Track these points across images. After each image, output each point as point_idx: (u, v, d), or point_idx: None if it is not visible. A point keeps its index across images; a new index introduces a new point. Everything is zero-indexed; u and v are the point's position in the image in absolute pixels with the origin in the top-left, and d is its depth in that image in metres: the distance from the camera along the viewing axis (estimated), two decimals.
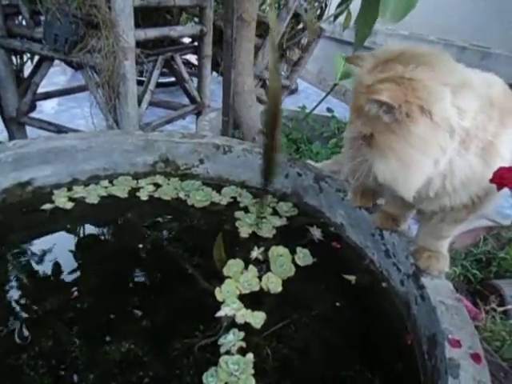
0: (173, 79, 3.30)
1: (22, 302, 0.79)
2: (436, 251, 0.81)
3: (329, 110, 2.38)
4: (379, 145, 0.60)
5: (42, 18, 2.00)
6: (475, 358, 0.63)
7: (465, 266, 1.26)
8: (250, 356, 0.70)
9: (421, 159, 0.58)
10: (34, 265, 0.89)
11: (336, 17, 2.69)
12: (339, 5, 2.54)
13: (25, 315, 0.76)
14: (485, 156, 0.61)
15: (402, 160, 0.59)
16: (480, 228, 1.34)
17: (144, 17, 2.00)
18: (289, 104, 3.14)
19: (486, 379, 0.60)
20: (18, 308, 0.78)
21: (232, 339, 0.72)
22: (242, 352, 0.71)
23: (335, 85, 2.13)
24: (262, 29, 2.46)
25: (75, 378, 0.65)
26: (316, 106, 2.26)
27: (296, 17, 2.64)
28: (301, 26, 2.76)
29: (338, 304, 0.86)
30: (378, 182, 0.66)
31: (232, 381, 0.66)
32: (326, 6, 2.82)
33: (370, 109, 0.58)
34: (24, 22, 2.05)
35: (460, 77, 0.60)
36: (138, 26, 1.77)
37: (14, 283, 0.84)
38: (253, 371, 0.67)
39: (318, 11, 2.81)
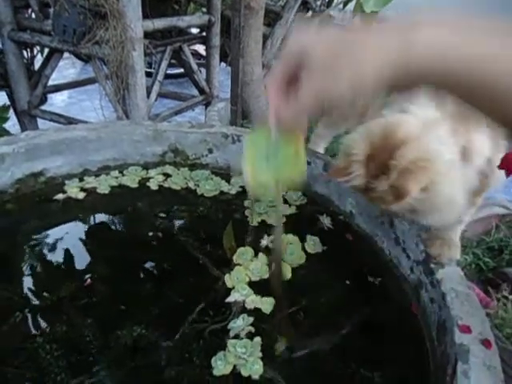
0: (181, 70, 3.31)
1: (37, 289, 0.81)
2: (449, 239, 0.80)
3: None
4: (424, 210, 0.66)
5: (51, 10, 2.02)
6: (485, 343, 0.63)
7: (476, 254, 1.24)
8: (258, 339, 0.71)
9: (455, 195, 0.64)
10: (47, 253, 0.91)
11: (345, 4, 2.66)
12: None
13: (40, 302, 0.78)
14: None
15: (447, 204, 0.65)
16: (492, 216, 1.32)
17: (152, 7, 1.99)
18: None
19: (496, 364, 0.60)
20: (33, 295, 0.80)
21: (241, 324, 0.73)
22: (251, 336, 0.72)
23: None
24: (270, 17, 2.44)
25: (89, 361, 0.67)
26: None
27: (305, 4, 2.61)
28: (309, 13, 2.73)
29: (346, 291, 0.86)
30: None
31: (240, 363, 0.67)
32: None
33: (406, 206, 0.63)
34: (33, 15, 2.07)
35: (425, 122, 0.63)
36: (146, 16, 1.77)
37: (28, 271, 0.86)
38: (261, 354, 0.68)
39: None
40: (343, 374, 0.70)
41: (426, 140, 0.61)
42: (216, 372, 0.66)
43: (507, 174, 0.57)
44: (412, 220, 0.72)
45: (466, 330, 0.65)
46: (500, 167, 0.57)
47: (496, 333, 0.90)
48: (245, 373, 0.66)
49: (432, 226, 0.72)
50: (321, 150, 1.35)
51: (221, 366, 0.67)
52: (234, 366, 0.67)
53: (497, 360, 0.61)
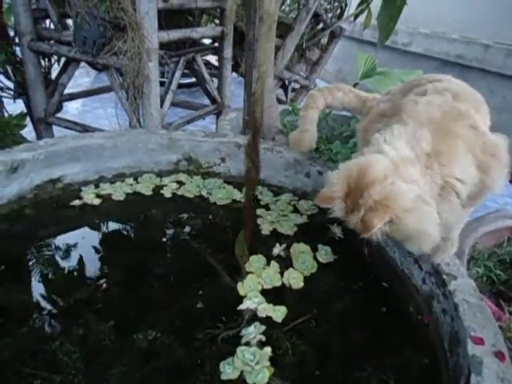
0: (193, 80, 3.36)
1: (54, 292, 0.83)
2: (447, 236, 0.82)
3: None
4: (397, 237, 0.73)
5: (69, 21, 2.07)
6: (499, 355, 0.63)
7: (488, 267, 1.24)
8: (268, 349, 0.71)
9: (425, 228, 0.70)
10: (64, 258, 0.93)
11: (356, 16, 2.69)
12: (360, 4, 2.54)
13: (57, 305, 0.80)
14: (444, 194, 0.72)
15: (418, 235, 0.71)
16: (504, 228, 1.31)
17: (167, 19, 2.04)
18: None
19: (510, 377, 0.60)
20: (50, 298, 0.82)
21: (253, 331, 0.74)
22: (262, 345, 0.73)
23: (355, 84, 2.12)
24: (282, 29, 2.47)
25: (105, 364, 0.68)
26: None
27: (316, 17, 2.64)
28: (320, 26, 2.77)
29: (358, 301, 0.86)
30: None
31: (247, 370, 0.68)
32: (346, 5, 2.81)
33: (375, 235, 0.69)
34: (52, 26, 2.13)
35: (396, 162, 0.70)
36: (161, 27, 1.81)
37: (45, 275, 0.88)
38: (268, 363, 0.69)
39: (338, 10, 2.81)
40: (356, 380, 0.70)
41: (391, 181, 0.68)
42: (223, 376, 0.67)
43: None
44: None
45: (479, 341, 0.65)
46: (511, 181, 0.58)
47: (508, 345, 0.89)
48: (250, 380, 0.67)
49: (412, 251, 0.77)
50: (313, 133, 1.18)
51: (228, 370, 0.68)
52: (241, 372, 0.68)
53: (510, 373, 0.61)
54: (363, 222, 0.68)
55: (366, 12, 2.51)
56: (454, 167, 0.71)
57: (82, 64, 2.40)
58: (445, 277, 0.79)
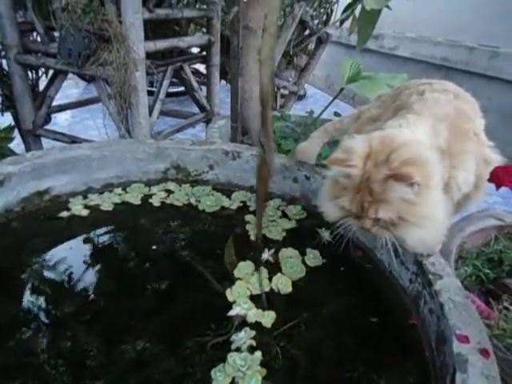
0: (182, 89, 3.37)
1: (42, 305, 0.83)
2: None
3: (336, 114, 2.39)
4: (409, 220, 0.69)
5: (56, 33, 2.08)
6: (484, 353, 0.64)
7: (476, 266, 1.25)
8: (258, 354, 0.72)
9: (440, 212, 0.70)
10: (52, 270, 0.93)
11: (342, 22, 2.73)
12: (345, 10, 2.58)
13: (44, 318, 0.79)
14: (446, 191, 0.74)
15: (431, 221, 0.70)
16: (491, 227, 1.33)
17: (153, 29, 2.06)
18: (297, 109, 3.16)
19: (494, 374, 0.61)
20: (38, 311, 0.81)
21: (243, 337, 0.74)
22: (252, 350, 0.73)
23: (342, 89, 2.15)
24: None
25: (93, 376, 0.67)
26: (323, 110, 2.28)
27: (302, 24, 2.68)
28: (307, 32, 2.80)
29: (347, 304, 0.87)
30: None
31: (238, 376, 0.68)
32: (332, 11, 2.86)
33: (395, 194, 0.67)
34: (39, 38, 2.13)
35: (426, 141, 0.71)
36: (147, 37, 1.82)
37: (33, 288, 0.87)
38: (259, 368, 0.69)
39: (324, 17, 2.85)
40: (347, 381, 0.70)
41: (425, 147, 0.67)
42: (215, 383, 0.67)
43: (497, 187, 0.59)
44: (391, 240, 0.75)
45: (464, 339, 0.66)
46: (489, 181, 0.59)
47: (496, 343, 0.90)
48: None
49: (408, 250, 0.75)
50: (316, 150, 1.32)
51: (220, 377, 0.68)
52: (233, 379, 0.68)
53: (495, 369, 0.62)
54: (399, 174, 0.65)
55: (351, 18, 2.54)
56: (460, 173, 0.73)
57: (71, 75, 2.40)
58: (431, 276, 0.80)
